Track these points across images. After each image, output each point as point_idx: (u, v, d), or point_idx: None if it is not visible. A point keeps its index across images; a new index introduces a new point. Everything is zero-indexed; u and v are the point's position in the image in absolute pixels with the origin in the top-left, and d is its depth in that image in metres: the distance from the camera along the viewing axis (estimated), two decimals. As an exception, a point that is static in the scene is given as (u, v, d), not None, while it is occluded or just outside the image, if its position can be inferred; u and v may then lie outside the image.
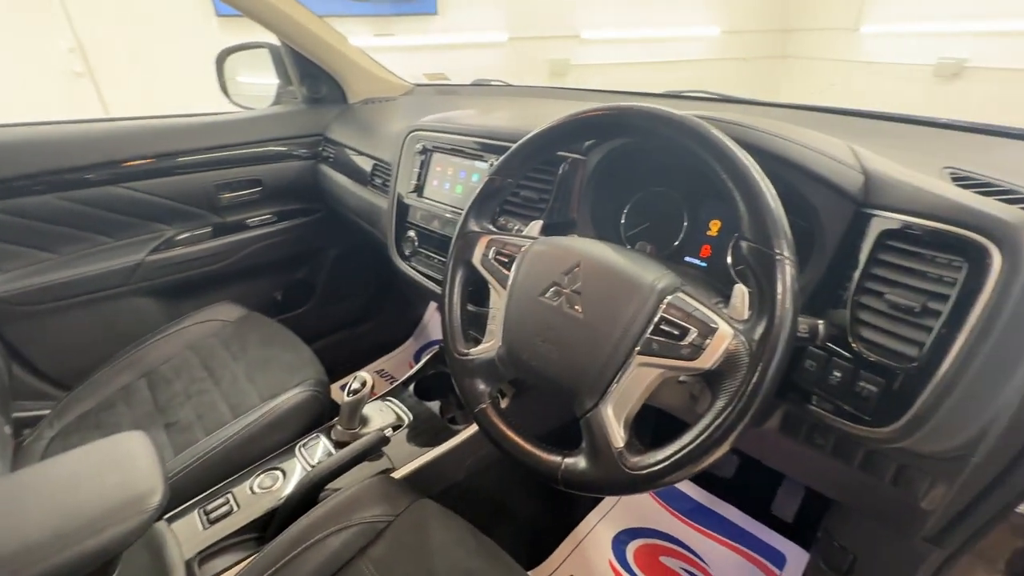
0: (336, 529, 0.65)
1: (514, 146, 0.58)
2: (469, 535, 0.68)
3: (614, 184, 0.74)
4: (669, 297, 0.45)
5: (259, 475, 0.80)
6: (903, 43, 4.12)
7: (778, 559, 0.97)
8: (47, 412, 0.96)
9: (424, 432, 0.91)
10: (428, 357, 1.07)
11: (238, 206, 1.30)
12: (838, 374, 0.47)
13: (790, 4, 5.15)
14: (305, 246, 1.45)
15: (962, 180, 0.50)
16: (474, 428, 0.90)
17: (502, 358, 0.55)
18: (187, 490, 0.78)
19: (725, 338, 0.41)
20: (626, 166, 0.70)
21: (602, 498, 1.13)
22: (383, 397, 0.98)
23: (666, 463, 0.42)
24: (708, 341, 0.42)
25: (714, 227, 0.68)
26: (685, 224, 0.69)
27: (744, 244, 0.42)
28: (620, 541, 1.05)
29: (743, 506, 1.05)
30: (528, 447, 0.52)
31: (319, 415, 0.93)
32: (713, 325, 0.42)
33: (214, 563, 0.70)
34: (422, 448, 0.88)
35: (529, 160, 0.59)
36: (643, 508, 1.11)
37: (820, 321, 0.47)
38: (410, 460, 0.85)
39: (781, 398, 0.54)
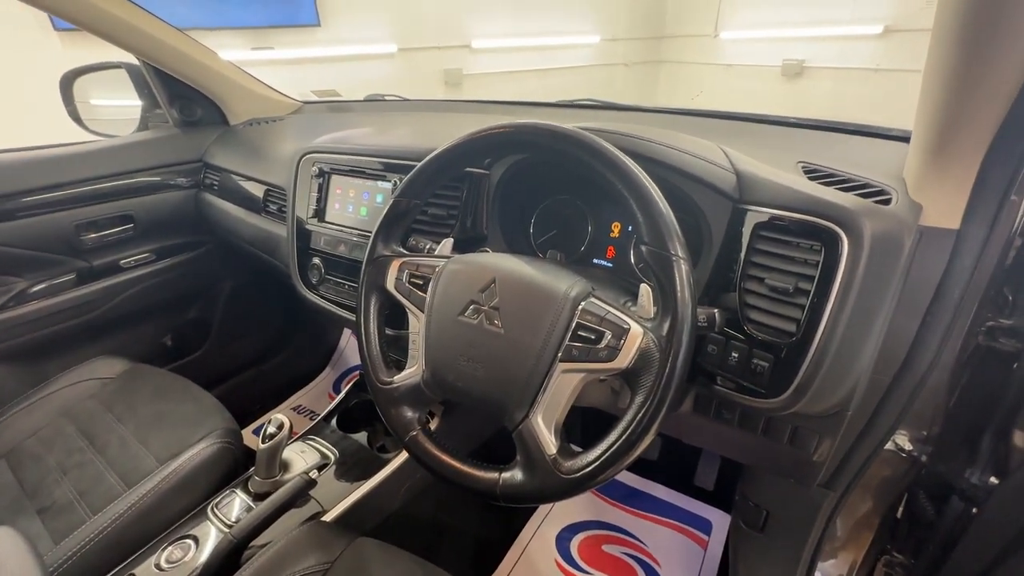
0: None
1: (418, 166, 0.58)
2: (414, 566, 0.65)
3: (520, 196, 0.75)
4: (583, 303, 0.47)
5: (166, 548, 0.71)
6: (754, 47, 4.67)
7: (705, 526, 1.05)
8: None
9: (353, 467, 0.87)
10: (349, 386, 1.02)
11: (107, 247, 1.15)
12: (735, 355, 0.52)
13: (662, 14, 5.63)
14: (194, 283, 1.31)
15: (812, 172, 0.58)
16: (405, 455, 0.88)
17: (427, 382, 0.54)
18: None
19: (637, 337, 0.44)
20: (529, 177, 0.72)
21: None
22: (303, 437, 0.92)
23: (598, 462, 0.44)
24: (622, 342, 0.44)
25: (616, 229, 0.72)
26: (590, 229, 0.73)
27: (643, 248, 0.45)
28: (563, 539, 1.07)
29: (670, 483, 1.12)
30: (464, 468, 0.51)
31: (231, 468, 0.84)
32: (625, 326, 0.44)
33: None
34: (352, 484, 0.83)
35: (435, 179, 0.58)
36: (581, 501, 1.14)
37: (715, 310, 0.52)
38: (341, 499, 0.80)
39: (691, 382, 0.59)
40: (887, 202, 0.52)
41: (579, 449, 0.47)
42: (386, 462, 0.86)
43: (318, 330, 1.62)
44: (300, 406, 1.51)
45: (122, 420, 0.89)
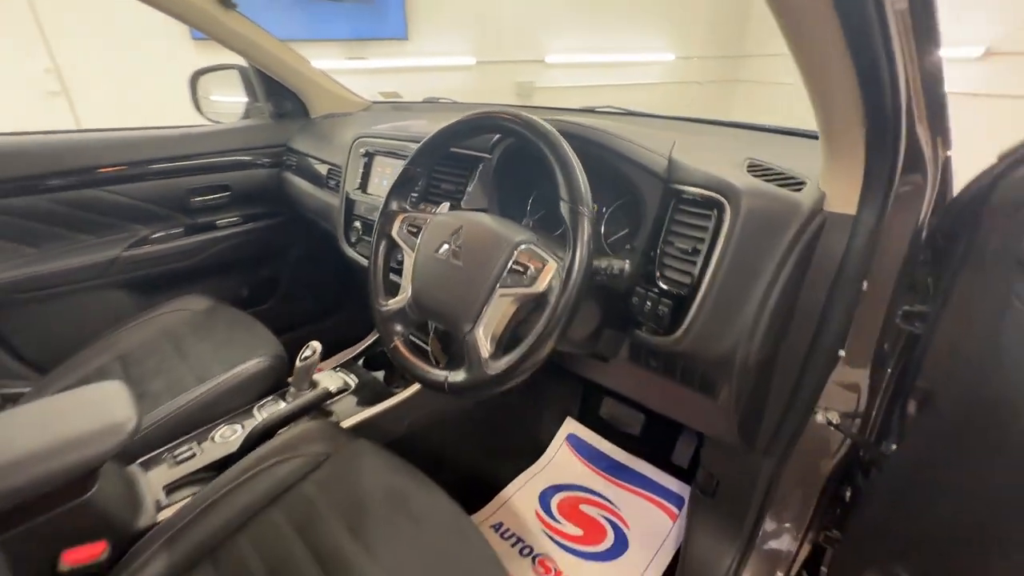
0: (282, 459, 0.78)
1: (421, 143, 0.75)
2: (405, 469, 0.80)
3: (520, 180, 0.91)
4: (522, 247, 0.62)
5: (220, 428, 0.93)
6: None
7: (677, 500, 1.13)
8: (27, 390, 1.07)
9: (368, 395, 1.05)
10: (376, 335, 1.21)
11: (208, 209, 1.44)
12: (649, 304, 0.64)
13: (743, 34, 5.55)
14: (269, 246, 1.59)
15: (753, 166, 0.68)
16: (413, 389, 1.05)
17: (411, 305, 0.71)
18: (157, 441, 0.91)
19: (551, 270, 0.58)
20: (528, 164, 0.88)
21: (532, 461, 1.28)
22: (335, 368, 1.12)
23: (513, 362, 0.58)
24: (540, 273, 0.58)
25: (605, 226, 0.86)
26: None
27: (561, 203, 0.59)
28: (547, 494, 1.19)
29: (651, 459, 1.21)
30: (424, 367, 0.67)
31: (276, 382, 1.06)
32: (545, 261, 0.58)
33: (176, 494, 0.82)
34: (365, 407, 1.02)
35: (433, 153, 0.75)
36: (569, 468, 1.26)
37: (626, 261, 0.64)
38: (353, 415, 0.99)
39: (623, 331, 0.71)
40: (798, 189, 0.62)
41: (490, 352, 0.61)
42: (395, 394, 1.04)
43: (365, 300, 1.86)
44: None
45: (203, 340, 1.14)
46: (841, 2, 0.43)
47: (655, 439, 1.21)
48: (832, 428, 0.73)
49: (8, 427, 0.63)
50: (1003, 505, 0.49)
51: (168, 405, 0.95)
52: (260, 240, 1.55)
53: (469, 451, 1.23)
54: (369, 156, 1.09)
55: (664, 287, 0.62)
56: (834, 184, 0.60)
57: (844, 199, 0.59)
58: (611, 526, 1.11)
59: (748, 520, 0.86)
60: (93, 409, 0.67)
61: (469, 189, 0.88)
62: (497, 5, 4.43)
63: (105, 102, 2.79)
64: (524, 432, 1.35)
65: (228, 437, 0.92)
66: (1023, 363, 0.46)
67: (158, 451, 0.89)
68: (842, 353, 0.65)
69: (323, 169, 1.30)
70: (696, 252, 0.60)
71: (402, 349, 0.71)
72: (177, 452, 0.88)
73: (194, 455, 0.88)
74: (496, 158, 0.86)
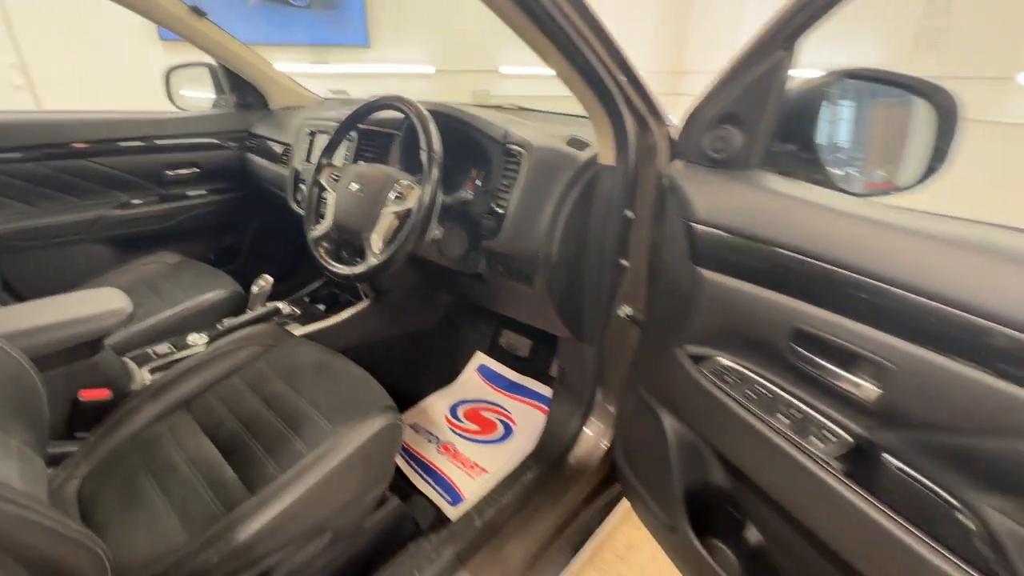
0: (241, 347, 1.07)
1: (342, 121, 1.07)
2: (332, 352, 1.08)
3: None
4: (402, 181, 0.94)
5: (191, 335, 1.22)
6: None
7: (548, 402, 1.46)
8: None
9: (310, 320, 1.35)
10: (324, 280, 1.52)
11: (180, 183, 1.72)
12: (489, 222, 0.97)
13: (682, 52, 6.09)
14: (233, 217, 1.87)
15: (568, 138, 1.03)
16: (347, 314, 1.36)
17: (332, 227, 1.02)
18: (141, 345, 1.19)
19: (415, 194, 0.90)
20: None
21: (448, 383, 1.59)
22: (287, 300, 1.42)
23: (391, 251, 0.90)
24: (409, 194, 0.91)
25: (474, 174, 1.19)
26: (465, 175, 1.20)
27: (422, 152, 0.92)
28: (455, 406, 1.51)
29: (534, 375, 1.54)
30: (339, 267, 0.98)
31: (235, 309, 1.35)
32: (414, 188, 0.91)
33: (158, 374, 1.10)
34: (307, 326, 1.32)
35: (350, 125, 1.07)
36: (476, 388, 1.58)
37: (471, 192, 0.98)
38: (297, 331, 1.29)
39: (478, 250, 1.04)
40: (582, 149, 0.96)
41: (380, 249, 0.92)
42: (329, 318, 1.34)
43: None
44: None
45: (174, 284, 1.41)
46: (566, 52, 0.75)
47: (538, 359, 1.55)
48: (628, 320, 1.07)
49: (42, 307, 0.91)
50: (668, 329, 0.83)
51: (147, 321, 1.23)
52: (225, 211, 1.83)
53: (396, 371, 1.54)
54: (313, 134, 1.40)
55: (495, 209, 0.96)
56: (601, 146, 0.94)
57: (607, 155, 0.94)
58: (502, 424, 1.44)
59: (586, 393, 1.19)
60: (99, 298, 0.95)
61: (388, 156, 1.20)
62: (456, 17, 4.79)
63: (70, 98, 2.97)
64: (444, 363, 1.67)
65: (198, 341, 1.20)
66: (678, 257, 0.78)
67: (142, 349, 1.17)
68: (625, 263, 0.99)
69: (279, 148, 1.60)
70: (510, 185, 0.93)
71: (326, 257, 1.02)
72: (158, 349, 1.16)
73: (171, 351, 1.16)
74: (403, 134, 1.19)
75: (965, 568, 0.48)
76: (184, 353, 1.16)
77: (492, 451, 1.34)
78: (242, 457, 0.84)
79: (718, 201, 0.72)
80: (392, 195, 0.93)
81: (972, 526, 0.49)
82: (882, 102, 0.80)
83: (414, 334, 1.59)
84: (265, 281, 1.28)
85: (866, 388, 0.56)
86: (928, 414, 0.52)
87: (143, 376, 1.08)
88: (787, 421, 0.64)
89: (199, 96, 1.90)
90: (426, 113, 0.93)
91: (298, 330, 1.29)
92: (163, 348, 1.17)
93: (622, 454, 1.04)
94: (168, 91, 1.84)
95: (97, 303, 0.93)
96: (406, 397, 1.52)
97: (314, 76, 4.58)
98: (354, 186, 0.99)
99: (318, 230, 1.05)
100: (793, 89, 0.74)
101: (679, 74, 5.99)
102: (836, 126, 0.80)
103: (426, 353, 1.64)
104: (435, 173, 0.89)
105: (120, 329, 0.93)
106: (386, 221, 0.93)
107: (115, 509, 0.77)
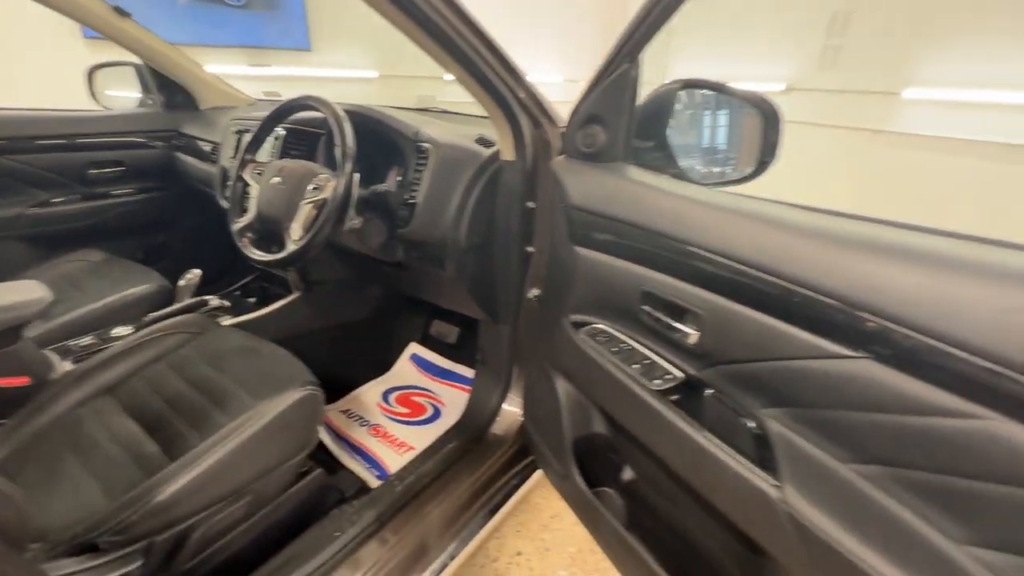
0: (168, 334, 1.11)
1: (263, 119, 1.14)
2: (257, 338, 1.15)
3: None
4: (320, 175, 1.02)
5: (116, 328, 1.24)
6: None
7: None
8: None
9: (240, 312, 1.40)
10: (255, 275, 1.56)
11: (104, 181, 1.71)
12: (403, 212, 1.07)
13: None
14: (162, 215, 1.86)
15: (478, 138, 1.14)
16: (277, 306, 1.41)
17: (256, 218, 1.08)
18: (62, 339, 1.20)
19: (331, 185, 0.99)
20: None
21: (383, 372, 1.67)
22: (216, 296, 1.45)
23: (308, 239, 0.98)
24: (327, 186, 0.99)
25: (396, 170, 1.28)
26: (387, 170, 1.28)
27: (335, 148, 1.00)
28: (388, 393, 1.58)
29: (462, 360, 1.65)
30: (261, 253, 1.05)
31: (163, 304, 1.37)
32: (332, 181, 0.99)
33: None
34: (239, 318, 1.36)
35: (273, 123, 1.14)
36: (409, 375, 1.66)
37: (387, 185, 1.07)
38: (226, 322, 1.33)
39: (396, 238, 1.13)
40: (488, 147, 1.08)
41: (300, 237, 1.00)
42: (256, 309, 1.39)
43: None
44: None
45: (99, 280, 1.42)
46: (460, 60, 0.86)
47: (466, 345, 1.65)
48: (536, 301, 1.19)
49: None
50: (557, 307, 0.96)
51: (69, 315, 1.24)
52: (154, 209, 1.82)
53: (330, 362, 1.60)
54: (240, 133, 1.45)
55: (408, 200, 1.06)
56: (502, 143, 1.06)
57: (508, 152, 1.06)
58: (432, 406, 1.53)
59: (503, 371, 1.30)
60: (16, 288, 0.97)
61: (315, 154, 1.27)
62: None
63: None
64: (378, 353, 1.74)
65: (122, 333, 1.23)
66: (561, 238, 0.91)
67: (64, 343, 1.18)
68: (531, 249, 1.11)
69: (208, 147, 1.63)
70: (420, 178, 1.04)
71: (249, 246, 1.08)
72: (81, 342, 1.18)
73: (94, 342, 1.18)
74: (327, 133, 1.27)
75: (750, 467, 0.62)
76: (109, 344, 1.18)
77: (420, 431, 1.43)
78: (165, 433, 0.89)
79: (587, 188, 0.86)
80: (311, 187, 1.01)
81: (758, 432, 0.63)
82: (726, 107, 0.96)
83: (347, 326, 1.66)
84: (192, 275, 1.32)
85: (691, 334, 0.70)
86: (728, 348, 0.66)
87: (64, 366, 1.10)
88: (639, 367, 0.77)
89: (127, 95, 1.89)
90: (341, 113, 1.02)
91: (227, 322, 1.33)
92: (86, 340, 1.18)
93: (530, 420, 1.16)
94: (91, 90, 1.83)
95: (14, 292, 0.95)
96: (340, 386, 1.59)
97: (252, 79, 4.52)
98: (275, 180, 1.06)
99: (242, 221, 1.11)
100: (649, 95, 0.89)
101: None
102: (692, 126, 0.95)
103: (360, 344, 1.71)
104: (348, 167, 0.98)
105: (39, 320, 0.96)
106: (305, 211, 1.01)
107: (36, 485, 0.81)
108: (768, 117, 0.88)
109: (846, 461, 0.54)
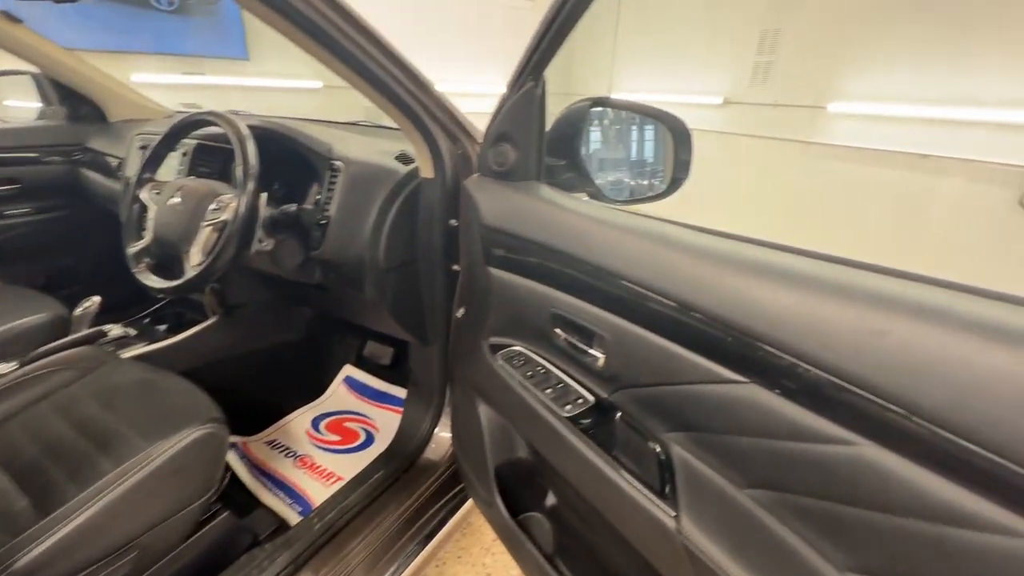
0: (55, 371, 1.01)
1: (163, 134, 1.06)
2: (160, 371, 1.06)
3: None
4: (224, 195, 0.96)
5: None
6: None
7: (413, 406, 1.52)
8: None
9: (147, 340, 1.29)
10: (168, 300, 1.45)
11: (-5, 200, 1.56)
12: (317, 232, 1.02)
13: (569, 76, 6.52)
14: (65, 237, 1.72)
15: (398, 153, 1.10)
16: (191, 332, 1.31)
17: (153, 241, 1.00)
18: None
19: (233, 204, 0.92)
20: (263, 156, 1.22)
21: (315, 396, 1.59)
22: (120, 324, 1.34)
23: (206, 264, 0.91)
24: (227, 206, 0.93)
25: (315, 188, 1.22)
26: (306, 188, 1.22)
27: (235, 166, 0.94)
28: (318, 419, 1.51)
29: (397, 382, 1.59)
30: (156, 279, 0.97)
31: (59, 335, 1.25)
32: (231, 200, 0.93)
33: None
34: (143, 348, 1.26)
35: (173, 140, 1.07)
36: (344, 400, 1.59)
37: (295, 204, 1.02)
38: (130, 352, 1.23)
39: (313, 260, 1.07)
40: (407, 163, 1.04)
41: (198, 263, 0.93)
42: (168, 338, 1.29)
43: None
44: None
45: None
46: (368, 79, 0.83)
47: (399, 365, 1.60)
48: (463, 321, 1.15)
49: None
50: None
51: None
52: (56, 231, 1.68)
53: (256, 389, 1.51)
54: (144, 148, 1.35)
55: (321, 220, 1.01)
56: (420, 160, 1.03)
57: (426, 169, 1.03)
58: (364, 432, 1.46)
59: (435, 395, 1.26)
60: None
61: (228, 171, 1.20)
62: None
63: None
64: (311, 377, 1.66)
65: (3, 371, 1.10)
66: (477, 258, 0.89)
67: None
68: (457, 268, 1.08)
69: (115, 163, 1.51)
70: (332, 197, 0.99)
71: (146, 272, 1.00)
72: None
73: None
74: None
75: (651, 498, 0.61)
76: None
77: (351, 459, 1.36)
78: (38, 485, 0.80)
79: (499, 208, 0.83)
80: (212, 208, 0.95)
81: (662, 457, 0.62)
82: (637, 125, 0.96)
83: (276, 349, 1.57)
84: (90, 302, 1.21)
85: (598, 357, 0.69)
86: (633, 372, 0.65)
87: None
88: (552, 392, 0.75)
89: (28, 105, 1.74)
90: (243, 129, 0.96)
91: (131, 352, 1.22)
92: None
93: (457, 445, 1.12)
94: (-18, 101, 1.67)
95: None
96: (267, 415, 1.50)
97: (183, 88, 4.30)
98: (174, 200, 0.99)
99: (137, 245, 1.02)
100: (560, 113, 0.88)
101: (567, 95, 6.39)
102: (605, 144, 0.95)
103: (291, 368, 1.63)
104: (250, 186, 0.92)
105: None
106: (204, 234, 0.94)
107: None
108: (678, 135, 0.89)
109: (740, 486, 0.53)
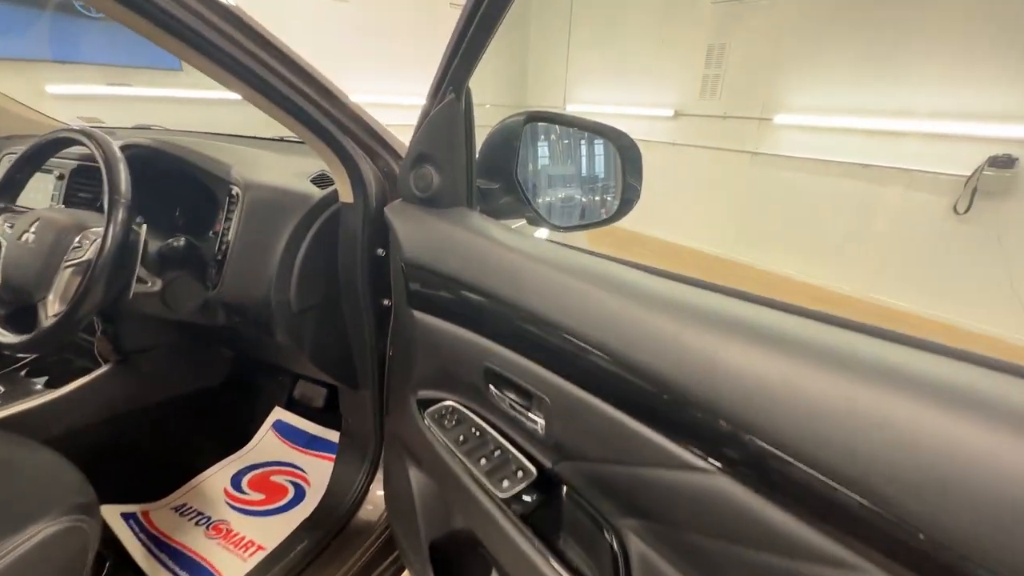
0: None
1: (18, 155, 0.88)
2: (17, 438, 0.86)
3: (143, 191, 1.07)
4: (94, 228, 0.79)
5: None
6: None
7: (350, 454, 1.35)
8: None
9: (22, 398, 1.08)
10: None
11: None
12: (213, 270, 0.86)
13: (524, 88, 6.51)
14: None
15: (313, 175, 0.96)
16: (76, 386, 1.11)
17: (1, 287, 0.82)
18: None
19: (99, 239, 0.76)
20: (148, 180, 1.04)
21: (240, 446, 1.40)
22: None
23: (52, 324, 0.74)
24: (91, 243, 0.76)
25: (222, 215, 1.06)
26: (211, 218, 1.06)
27: (106, 196, 0.78)
28: (241, 474, 1.32)
29: (333, 425, 1.42)
30: (4, 334, 0.79)
31: None
32: (94, 238, 0.76)
33: None
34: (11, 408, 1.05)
35: (30, 162, 0.89)
36: (272, 449, 1.40)
37: (183, 238, 0.86)
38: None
39: (204, 298, 0.91)
40: (324, 187, 0.90)
41: (57, 312, 0.76)
42: (45, 394, 1.09)
43: None
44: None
45: None
46: (264, 93, 0.70)
47: (334, 406, 1.43)
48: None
49: None
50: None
51: None
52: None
53: (166, 445, 1.31)
54: (16, 170, 1.15)
55: (218, 256, 0.85)
56: (339, 183, 0.89)
57: (346, 192, 0.89)
58: (293, 486, 1.29)
59: (371, 445, 1.11)
60: None
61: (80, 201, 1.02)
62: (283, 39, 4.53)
63: None
64: (236, 425, 1.46)
65: None
66: (401, 297, 0.76)
67: None
68: (388, 303, 0.94)
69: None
70: (230, 228, 0.84)
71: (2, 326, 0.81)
72: None
73: None
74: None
75: None
76: None
77: (275, 523, 1.19)
78: None
79: (422, 240, 0.71)
80: (73, 246, 0.78)
81: (616, 548, 0.50)
82: (582, 142, 0.86)
83: (191, 399, 1.37)
84: None
85: (538, 422, 0.57)
86: (578, 444, 0.53)
87: None
88: (487, 464, 0.63)
89: None
90: (114, 150, 0.80)
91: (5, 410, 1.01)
92: None
93: (391, 510, 0.97)
94: None
95: None
96: (178, 474, 1.30)
97: (109, 100, 4.00)
98: (29, 236, 0.81)
99: (-16, 291, 0.83)
100: (492, 130, 0.76)
101: (522, 107, 6.37)
102: (546, 164, 0.84)
103: (211, 416, 1.43)
104: (120, 216, 0.75)
105: None
106: (64, 277, 0.77)
107: None
108: (625, 152, 0.80)
109: None
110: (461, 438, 0.66)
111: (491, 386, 0.62)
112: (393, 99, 5.09)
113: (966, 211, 3.06)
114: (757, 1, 3.96)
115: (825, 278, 3.87)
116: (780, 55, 3.89)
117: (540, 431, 0.57)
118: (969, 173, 3.00)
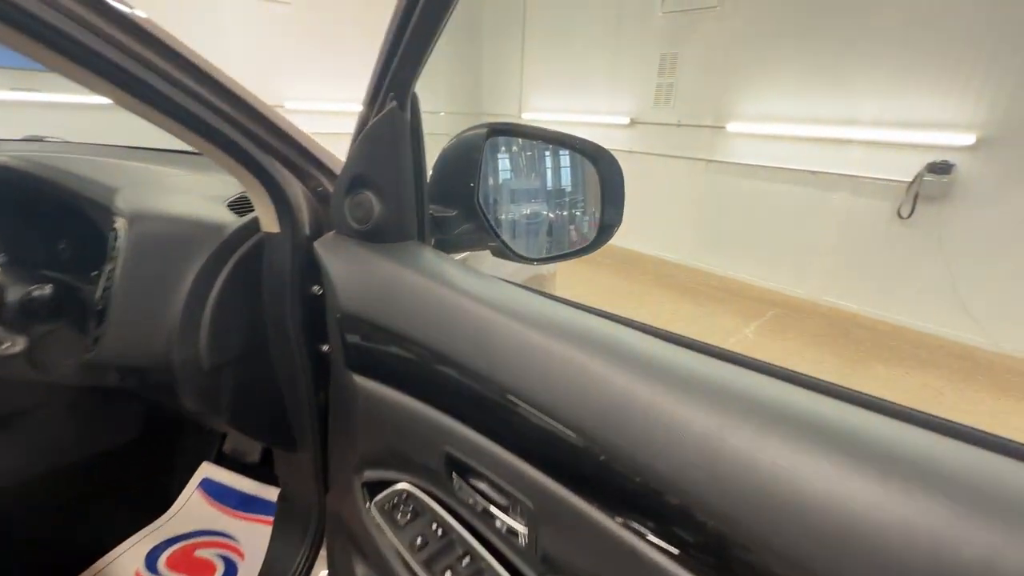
0: None
1: None
2: None
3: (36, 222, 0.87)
4: None
5: None
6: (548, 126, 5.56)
7: (293, 517, 1.17)
8: None
9: None
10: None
11: None
12: (92, 323, 0.68)
13: (480, 96, 6.41)
14: None
15: (230, 200, 0.78)
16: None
17: None
18: None
19: None
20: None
21: (159, 513, 1.18)
22: None
23: None
24: None
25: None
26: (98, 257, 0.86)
27: None
28: (157, 550, 1.11)
29: (270, 480, 1.23)
30: None
31: None
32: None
33: None
34: None
35: None
36: (198, 514, 1.20)
37: (48, 285, 0.68)
38: None
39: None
40: (244, 214, 0.73)
41: None
42: None
43: None
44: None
45: None
46: (180, 115, 0.54)
47: (270, 462, 1.24)
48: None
49: None
50: None
51: None
52: None
53: (63, 520, 1.08)
54: None
55: (97, 307, 0.67)
56: (260, 210, 0.73)
57: (269, 221, 0.73)
58: (223, 561, 1.09)
59: (312, 515, 0.93)
60: None
61: None
62: (224, 46, 4.23)
63: None
64: (153, 488, 1.25)
65: None
66: (337, 355, 0.61)
67: None
68: (326, 348, 0.78)
69: None
70: (113, 271, 0.66)
71: None
72: None
73: None
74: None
75: None
76: None
77: (199, 611, 0.99)
78: None
79: (361, 284, 0.56)
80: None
81: None
82: (554, 158, 0.74)
83: (95, 463, 1.15)
84: None
85: (520, 531, 0.43)
86: (574, 562, 0.40)
87: None
88: (453, 576, 0.48)
89: None
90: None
91: None
92: None
93: None
94: None
95: None
96: (80, 558, 1.08)
97: (13, 105, 3.63)
98: None
99: None
100: (446, 146, 0.63)
101: (477, 115, 6.28)
102: (512, 184, 0.71)
103: (120, 484, 1.21)
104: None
105: None
106: None
107: None
108: (605, 170, 0.68)
109: None
110: (419, 540, 0.52)
111: (455, 475, 0.48)
112: (348, 107, 4.87)
113: (910, 215, 3.17)
114: (705, 12, 4.02)
115: (781, 282, 3.95)
116: (730, 64, 3.96)
117: (521, 541, 0.43)
118: (910, 179, 3.12)
